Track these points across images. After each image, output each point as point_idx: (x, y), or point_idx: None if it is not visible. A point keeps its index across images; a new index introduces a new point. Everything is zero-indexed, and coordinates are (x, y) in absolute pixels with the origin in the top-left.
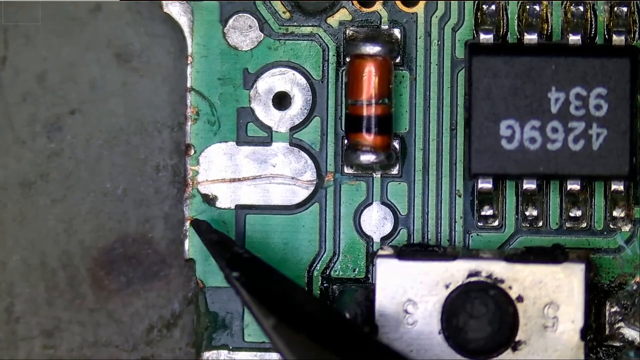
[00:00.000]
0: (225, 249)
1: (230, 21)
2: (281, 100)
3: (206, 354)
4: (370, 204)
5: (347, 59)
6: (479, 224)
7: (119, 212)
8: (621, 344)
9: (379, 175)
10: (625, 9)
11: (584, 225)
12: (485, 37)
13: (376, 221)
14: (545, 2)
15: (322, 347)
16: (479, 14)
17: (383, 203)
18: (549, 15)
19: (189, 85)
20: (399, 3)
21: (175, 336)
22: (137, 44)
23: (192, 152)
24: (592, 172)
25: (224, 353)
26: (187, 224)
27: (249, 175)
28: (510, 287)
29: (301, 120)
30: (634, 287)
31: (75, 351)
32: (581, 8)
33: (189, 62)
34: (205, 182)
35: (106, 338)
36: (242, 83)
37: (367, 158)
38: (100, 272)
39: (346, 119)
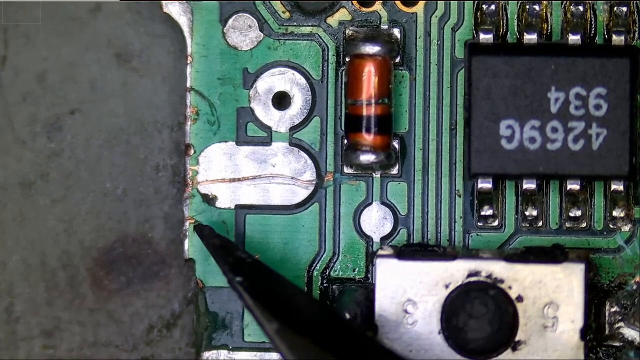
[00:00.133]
0: (228, 253)
1: (230, 21)
2: (281, 100)
3: (206, 354)
4: (370, 204)
5: (347, 59)
6: (478, 224)
7: (119, 212)
8: (621, 344)
9: (379, 175)
10: (625, 9)
11: (584, 225)
12: (485, 37)
13: (376, 221)
14: (545, 2)
15: (325, 351)
16: (478, 13)
17: (383, 203)
18: (548, 15)
19: (188, 85)
20: (398, 3)
21: (175, 336)
22: (137, 44)
23: (192, 152)
24: (592, 172)
25: (223, 353)
26: (187, 224)
27: (248, 175)
28: (510, 287)
29: (301, 120)
30: (634, 287)
31: (75, 351)
32: (581, 8)
33: (188, 62)
34: (205, 182)
35: (106, 338)
36: (242, 83)
37: (366, 158)
38: (100, 272)
39: (346, 118)
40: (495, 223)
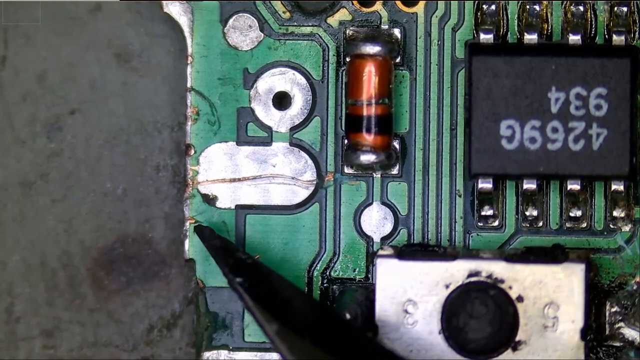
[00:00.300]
0: (228, 254)
1: (230, 21)
2: (281, 100)
3: (206, 354)
4: (371, 204)
5: (347, 59)
6: (479, 224)
7: (119, 212)
8: (621, 344)
9: (379, 175)
10: (625, 9)
11: (584, 225)
12: (485, 37)
13: (376, 221)
14: (545, 2)
15: (325, 352)
16: (479, 14)
17: (383, 203)
18: (549, 15)
19: (189, 85)
20: (399, 3)
21: (175, 336)
22: (137, 44)
23: (192, 152)
24: (592, 172)
25: (224, 353)
26: (187, 224)
27: (249, 175)
28: (510, 287)
29: (301, 120)
30: (634, 287)
31: (75, 351)
32: (581, 8)
33: (189, 62)
34: (205, 182)
35: (106, 338)
36: (242, 83)
37: (367, 158)
38: (100, 272)
39: (346, 119)
40: (496, 223)
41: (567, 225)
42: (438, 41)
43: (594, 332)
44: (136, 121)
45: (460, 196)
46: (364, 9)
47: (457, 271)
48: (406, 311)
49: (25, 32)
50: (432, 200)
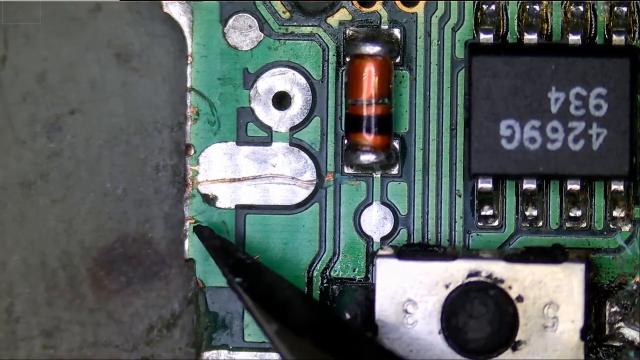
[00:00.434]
0: (227, 254)
1: (230, 21)
2: (281, 100)
3: (206, 354)
4: (370, 204)
5: (347, 59)
6: (479, 224)
7: (119, 212)
8: (621, 344)
9: (379, 175)
10: (625, 9)
11: (584, 225)
12: (485, 37)
13: (376, 221)
14: (545, 2)
15: (325, 352)
16: (478, 14)
17: (383, 203)
18: (548, 15)
19: (189, 85)
20: (399, 3)
21: (175, 336)
22: (137, 44)
23: (192, 152)
24: (592, 172)
25: (224, 353)
26: (187, 224)
27: (249, 175)
28: (510, 287)
29: (301, 120)
30: (634, 287)
31: (75, 351)
32: (581, 8)
33: (189, 62)
34: (205, 182)
35: (106, 338)
36: (242, 83)
37: (367, 158)
38: (100, 272)
39: (346, 118)
40: (496, 223)
41: (567, 225)
42: (438, 41)
43: (594, 332)
44: (136, 121)
45: (460, 196)
46: (364, 9)
47: (457, 271)
48: (406, 311)
49: (25, 32)
50: (432, 200)
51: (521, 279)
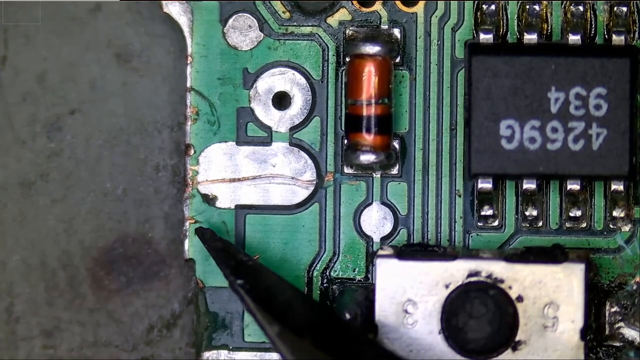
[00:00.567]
0: (229, 256)
1: (230, 21)
2: (281, 100)
3: (206, 354)
4: (370, 204)
5: (347, 59)
6: (478, 224)
7: (119, 212)
8: (621, 344)
9: (379, 175)
10: (625, 9)
11: (584, 225)
12: (485, 37)
13: (376, 221)
14: (545, 2)
15: (326, 354)
16: (478, 13)
17: (383, 203)
18: (548, 15)
19: (188, 85)
20: (398, 3)
21: (175, 336)
22: (137, 44)
23: (192, 152)
24: (592, 172)
25: (224, 353)
26: (187, 223)
27: (248, 175)
28: (510, 287)
29: (301, 120)
30: (634, 287)
31: (75, 351)
32: (581, 8)
33: (188, 62)
34: (205, 182)
35: (106, 338)
36: (242, 83)
37: (367, 158)
38: (100, 272)
39: (346, 118)
40: (496, 223)
41: (567, 225)
42: (438, 41)
43: (594, 332)
44: (136, 121)
45: (460, 196)
46: (364, 9)
47: (456, 271)
48: (406, 311)
49: (25, 32)
50: (432, 200)
51: (521, 279)
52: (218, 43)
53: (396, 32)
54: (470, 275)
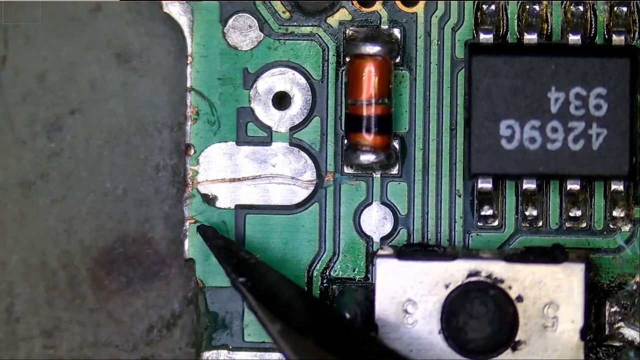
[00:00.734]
0: (231, 254)
1: (230, 21)
2: (281, 100)
3: (206, 354)
4: (370, 204)
5: (347, 59)
6: (478, 224)
7: (119, 212)
8: (621, 344)
9: (379, 175)
10: (625, 9)
11: (584, 225)
12: (485, 37)
13: (376, 221)
14: (545, 2)
15: (328, 352)
16: (478, 13)
17: (383, 203)
18: (548, 15)
19: (188, 85)
20: (398, 3)
21: (175, 336)
22: (137, 44)
23: (192, 152)
24: (592, 172)
25: (223, 353)
26: (187, 223)
27: (248, 175)
28: (510, 287)
29: (301, 120)
30: (634, 287)
31: (75, 351)
32: (581, 8)
33: (188, 62)
34: (205, 182)
35: (106, 338)
36: (242, 83)
37: (367, 158)
38: (100, 272)
39: (346, 118)
40: (495, 223)
41: (567, 225)
42: (438, 41)
43: (594, 332)
44: (136, 121)
45: (460, 196)
46: (364, 9)
47: (456, 271)
48: (406, 311)
49: (25, 32)
50: (432, 200)
51: (521, 279)
52: (218, 43)
53: (396, 32)
54: (470, 275)
